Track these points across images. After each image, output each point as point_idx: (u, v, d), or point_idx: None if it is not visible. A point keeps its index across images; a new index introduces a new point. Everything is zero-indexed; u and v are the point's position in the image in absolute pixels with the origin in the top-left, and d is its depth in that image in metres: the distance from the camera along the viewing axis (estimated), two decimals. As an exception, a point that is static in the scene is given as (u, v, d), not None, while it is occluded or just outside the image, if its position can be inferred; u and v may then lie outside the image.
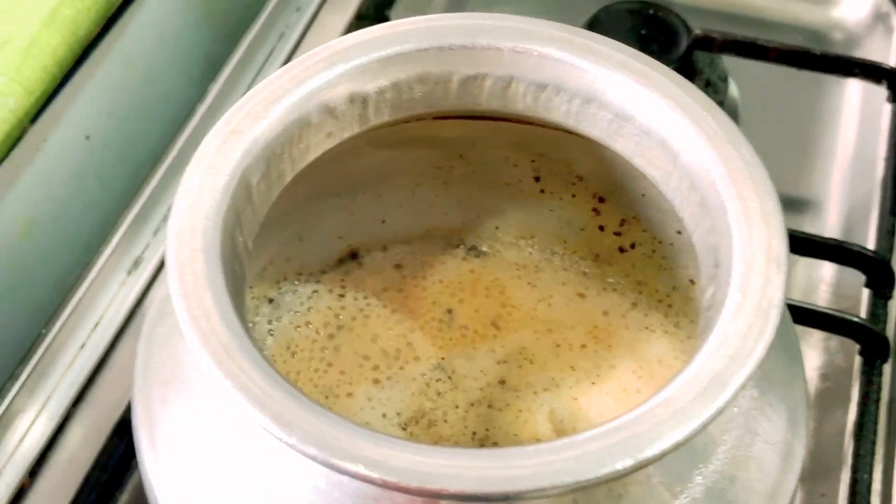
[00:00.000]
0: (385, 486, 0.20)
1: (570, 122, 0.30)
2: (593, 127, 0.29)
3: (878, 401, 0.41)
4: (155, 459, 0.26)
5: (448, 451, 0.21)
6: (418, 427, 0.34)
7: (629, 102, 0.28)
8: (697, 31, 0.53)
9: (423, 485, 0.20)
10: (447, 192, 0.39)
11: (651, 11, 0.55)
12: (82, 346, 0.43)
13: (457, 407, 0.35)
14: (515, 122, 0.35)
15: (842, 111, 0.55)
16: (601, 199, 0.37)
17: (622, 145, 0.29)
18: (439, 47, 0.29)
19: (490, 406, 0.35)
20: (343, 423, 0.21)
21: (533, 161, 0.37)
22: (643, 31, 0.54)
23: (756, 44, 0.52)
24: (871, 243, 0.47)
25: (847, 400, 0.43)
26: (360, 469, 0.20)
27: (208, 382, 0.25)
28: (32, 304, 0.49)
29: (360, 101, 0.29)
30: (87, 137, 0.50)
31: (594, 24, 0.54)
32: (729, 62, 0.55)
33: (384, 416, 0.34)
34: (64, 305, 0.44)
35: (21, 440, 0.40)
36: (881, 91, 0.53)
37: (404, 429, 0.33)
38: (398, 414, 0.34)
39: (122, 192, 0.55)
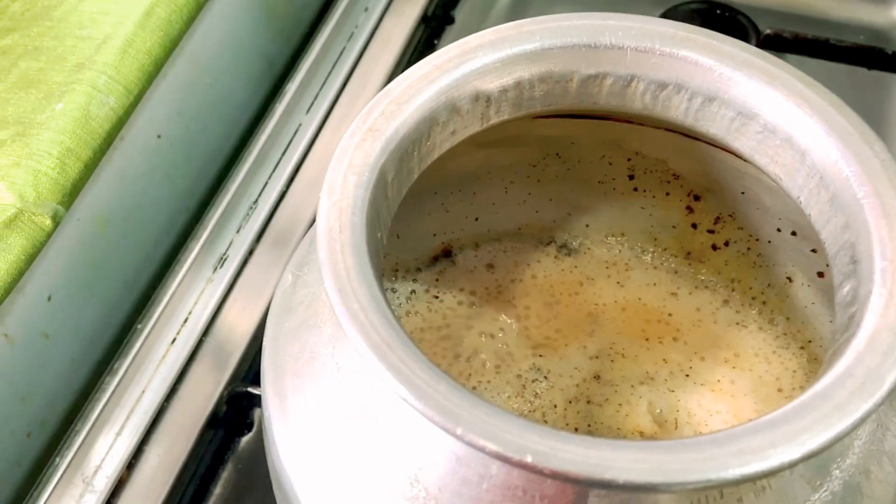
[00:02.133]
0: (554, 476, 0.21)
1: (689, 121, 0.30)
2: (712, 125, 0.30)
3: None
4: (292, 451, 0.27)
5: (613, 442, 0.21)
6: None
7: (754, 101, 0.28)
8: (768, 31, 0.53)
9: (592, 475, 0.20)
10: (540, 189, 0.39)
11: (718, 11, 0.55)
12: (173, 340, 0.43)
13: (555, 406, 0.35)
14: (614, 119, 0.35)
15: (909, 110, 0.55)
16: (696, 198, 0.38)
17: (742, 143, 0.29)
18: (563, 46, 0.29)
19: (589, 402, 0.35)
20: (507, 415, 0.22)
21: (629, 159, 0.38)
22: (711, 31, 0.54)
23: (828, 43, 0.52)
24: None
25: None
26: (529, 459, 0.21)
27: (353, 373, 0.26)
28: (104, 301, 0.49)
29: (483, 100, 0.29)
30: (159, 136, 0.51)
31: (662, 24, 0.54)
32: (793, 61, 0.55)
33: None
34: (155, 301, 0.44)
35: (118, 434, 0.40)
36: (949, 90, 0.53)
37: None
38: None
39: (188, 190, 0.56)
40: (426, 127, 0.28)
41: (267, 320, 0.30)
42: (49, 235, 0.37)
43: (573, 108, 0.31)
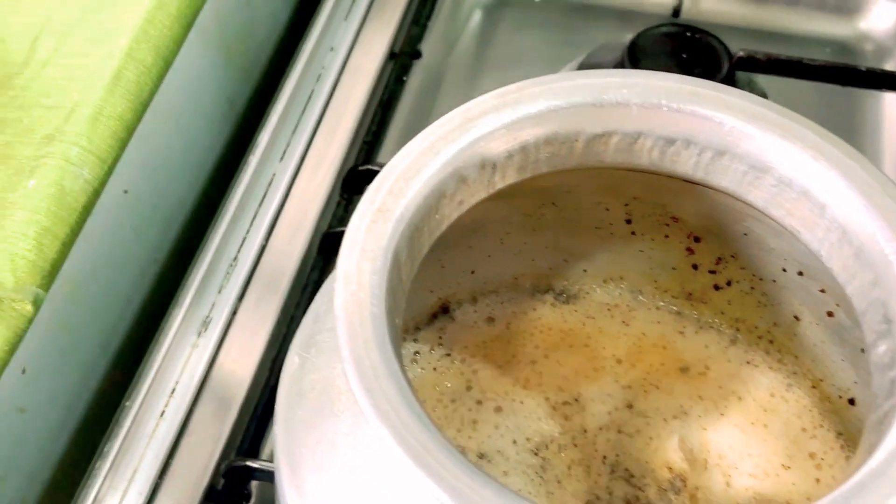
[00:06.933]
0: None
1: (699, 175, 0.29)
2: (724, 178, 0.29)
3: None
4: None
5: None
6: (549, 452, 0.33)
7: (767, 154, 0.28)
8: (741, 53, 0.53)
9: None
10: (535, 238, 0.39)
11: (688, 34, 0.55)
12: (162, 413, 0.42)
13: (585, 431, 0.35)
14: (610, 167, 0.34)
15: (882, 124, 0.56)
16: (696, 239, 0.37)
17: (756, 196, 0.29)
18: (567, 106, 0.28)
19: (620, 431, 0.35)
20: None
21: (626, 204, 0.37)
22: (683, 55, 0.54)
23: (801, 63, 0.52)
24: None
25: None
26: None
27: (380, 467, 0.25)
28: (79, 366, 0.48)
29: (490, 167, 0.28)
30: (125, 192, 0.49)
31: (634, 50, 0.54)
32: (764, 81, 0.55)
33: (514, 442, 0.34)
34: (142, 375, 0.42)
35: (113, 519, 0.39)
36: (921, 102, 0.54)
37: (536, 454, 0.33)
38: (528, 440, 0.34)
39: (156, 242, 0.54)
40: (435, 200, 0.27)
41: (276, 405, 0.29)
42: (30, 321, 0.35)
43: (578, 167, 0.30)
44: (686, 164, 0.29)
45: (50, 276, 0.36)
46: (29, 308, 0.34)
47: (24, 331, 0.35)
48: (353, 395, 0.25)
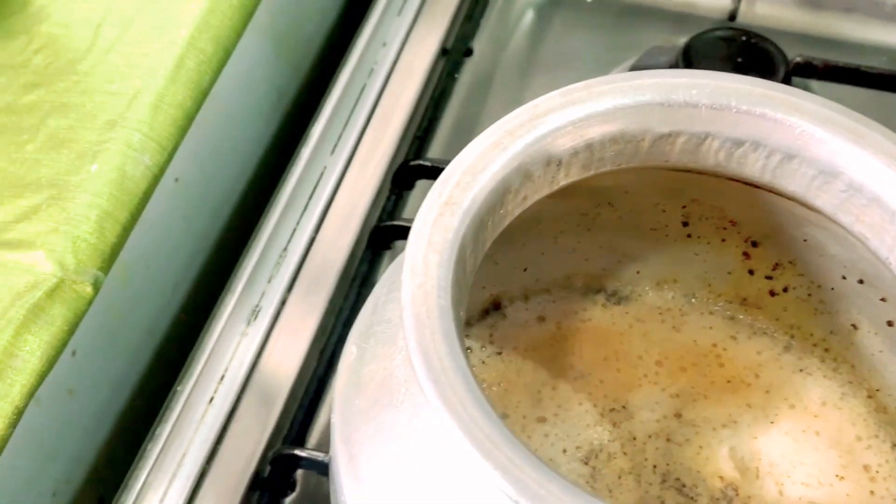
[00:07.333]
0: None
1: (766, 179, 0.29)
2: (791, 182, 0.29)
3: None
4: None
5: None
6: (599, 461, 0.33)
7: (838, 158, 0.27)
8: (798, 59, 0.53)
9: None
10: (589, 237, 0.38)
11: (744, 38, 0.54)
12: (211, 400, 0.42)
13: (634, 439, 0.34)
14: (671, 169, 0.34)
15: (939, 134, 0.55)
16: (754, 244, 0.37)
17: (824, 202, 0.28)
18: (635, 105, 0.28)
19: (669, 440, 0.34)
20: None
21: (683, 207, 0.37)
22: (739, 59, 0.53)
23: (859, 70, 0.52)
24: None
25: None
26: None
27: (439, 457, 0.25)
28: (127, 350, 0.48)
29: (555, 164, 0.28)
30: (176, 180, 0.50)
31: (689, 53, 0.54)
32: (819, 86, 0.55)
33: (564, 451, 0.33)
34: (193, 360, 0.43)
35: (161, 503, 0.39)
36: (981, 113, 0.53)
37: (586, 463, 0.33)
38: (577, 448, 0.34)
39: (204, 231, 0.55)
40: (500, 195, 0.27)
41: (334, 394, 0.29)
42: (90, 303, 0.36)
43: (642, 166, 0.30)
44: (753, 167, 0.29)
45: (110, 260, 0.37)
46: (89, 290, 0.35)
47: (84, 312, 0.36)
48: (412, 386, 0.25)
